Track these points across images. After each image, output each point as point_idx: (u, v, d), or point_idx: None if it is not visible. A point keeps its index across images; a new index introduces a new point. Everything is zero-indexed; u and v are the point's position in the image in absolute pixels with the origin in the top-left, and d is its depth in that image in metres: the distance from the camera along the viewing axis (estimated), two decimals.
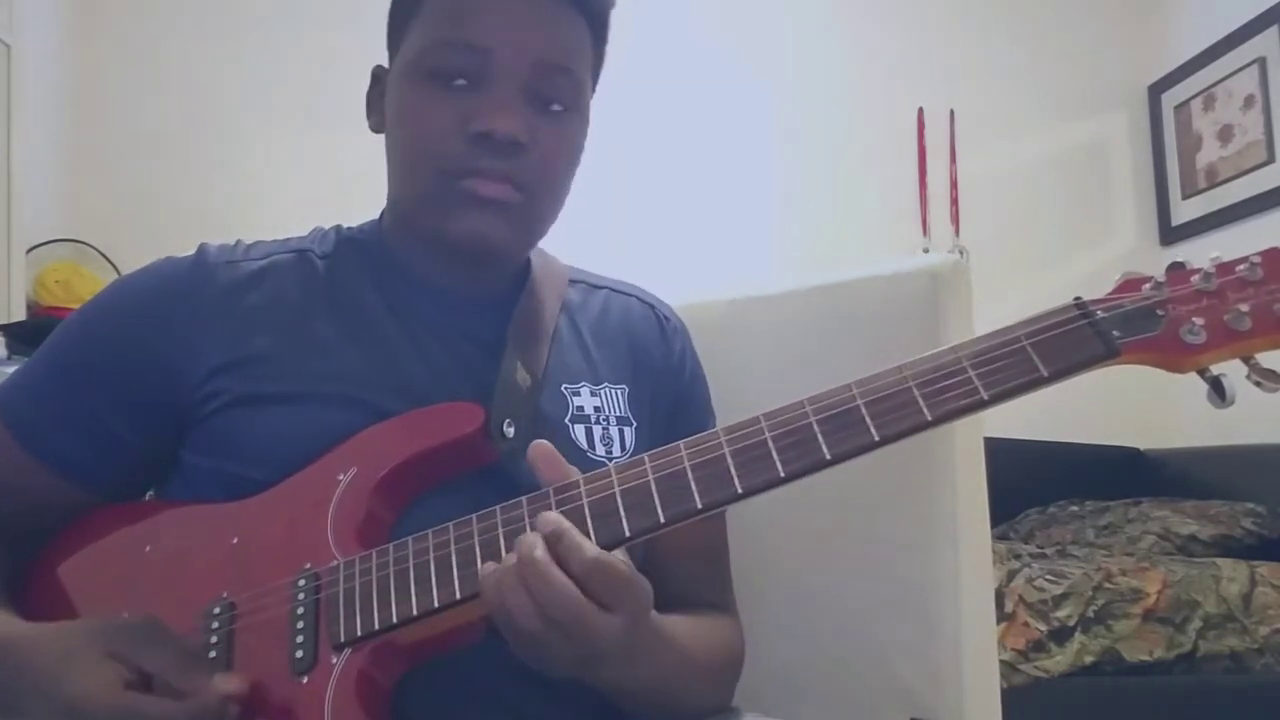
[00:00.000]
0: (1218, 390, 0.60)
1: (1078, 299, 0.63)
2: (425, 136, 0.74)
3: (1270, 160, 2.68)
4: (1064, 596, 1.89)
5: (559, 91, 0.75)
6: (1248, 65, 2.74)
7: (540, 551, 0.58)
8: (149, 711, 0.59)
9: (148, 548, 0.72)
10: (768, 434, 0.62)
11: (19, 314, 2.23)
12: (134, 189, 2.66)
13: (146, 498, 0.81)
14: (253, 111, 2.74)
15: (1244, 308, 0.60)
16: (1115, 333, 0.61)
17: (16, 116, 2.24)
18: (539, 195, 0.76)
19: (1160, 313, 0.61)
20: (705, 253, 2.83)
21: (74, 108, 2.63)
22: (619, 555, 0.61)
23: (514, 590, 0.58)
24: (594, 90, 0.82)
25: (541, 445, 0.66)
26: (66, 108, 2.61)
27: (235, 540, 0.70)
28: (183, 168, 2.70)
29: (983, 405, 0.60)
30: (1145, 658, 1.85)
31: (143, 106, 2.70)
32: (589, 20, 0.77)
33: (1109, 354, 0.60)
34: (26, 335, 1.99)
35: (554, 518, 0.60)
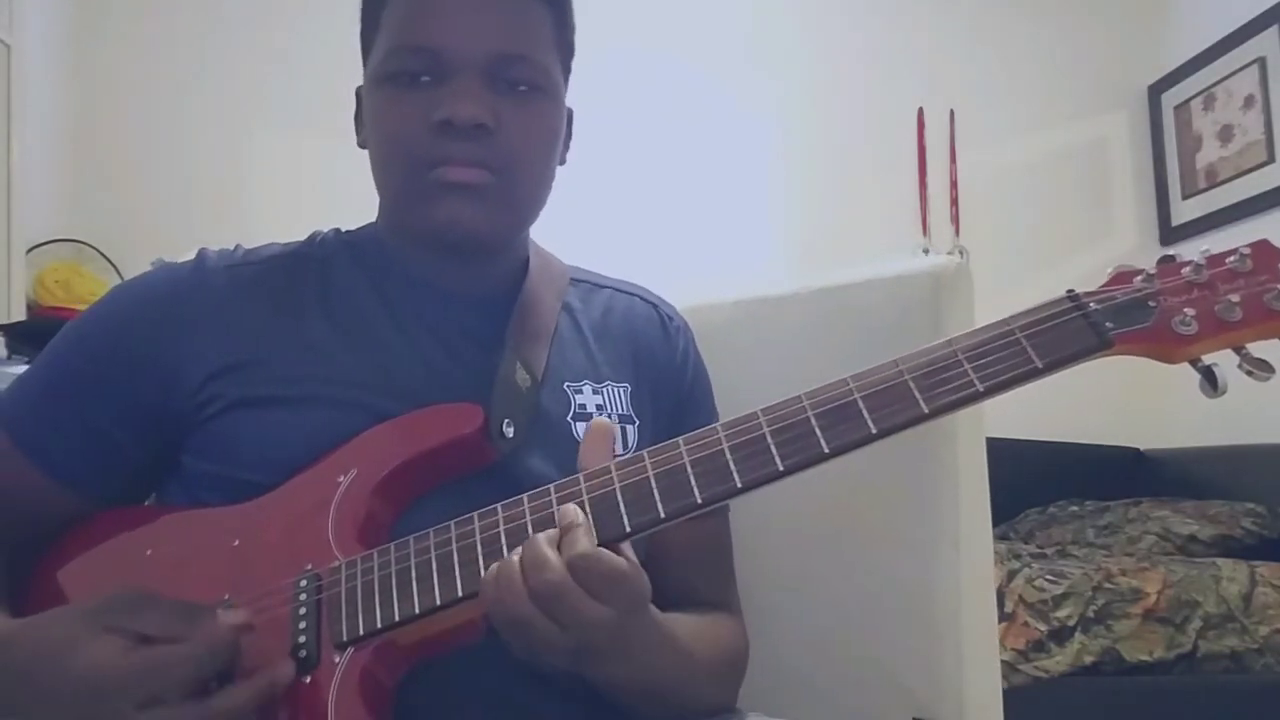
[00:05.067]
0: (1210, 380, 0.61)
1: (1070, 291, 0.63)
2: (394, 134, 0.75)
3: (1270, 160, 2.68)
4: (1064, 596, 1.89)
5: (521, 75, 0.75)
6: (1248, 65, 2.75)
7: (542, 542, 0.59)
8: (163, 660, 0.59)
9: (149, 552, 0.72)
10: (766, 429, 0.62)
11: (19, 314, 2.23)
12: (134, 189, 2.66)
13: (148, 503, 0.81)
14: (253, 112, 2.75)
15: (1234, 298, 0.60)
16: (1108, 324, 0.61)
17: (16, 116, 2.24)
18: (513, 175, 0.76)
19: (1152, 304, 0.62)
20: (705, 252, 2.83)
21: (74, 108, 2.64)
22: (626, 547, 0.62)
23: (510, 580, 0.58)
24: (567, 75, 0.82)
25: (600, 422, 0.68)
26: (66, 108, 2.61)
27: (237, 543, 0.70)
28: (183, 168, 2.70)
29: (978, 397, 0.61)
30: (1145, 658, 1.85)
31: (143, 106, 2.70)
32: (548, 4, 0.77)
33: (1102, 345, 0.61)
34: (26, 335, 1.99)
35: (571, 510, 0.61)
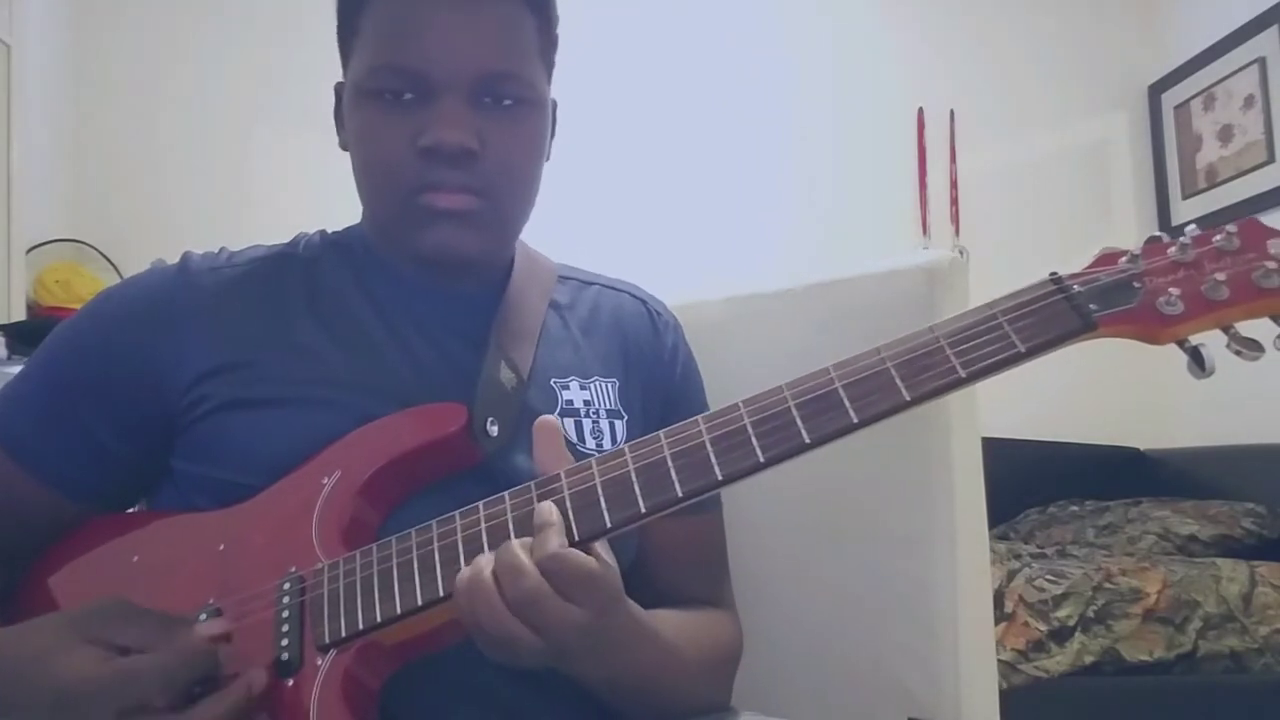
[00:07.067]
0: (1197, 361, 0.59)
1: (1053, 274, 0.62)
2: (379, 156, 0.74)
3: (1270, 160, 2.68)
4: (1064, 596, 1.88)
5: (507, 91, 0.74)
6: (1248, 65, 2.74)
7: (515, 548, 0.58)
8: (140, 669, 0.59)
9: (135, 558, 0.72)
10: (746, 420, 0.62)
11: (19, 314, 2.24)
12: (134, 189, 2.66)
13: (138, 507, 0.81)
14: (252, 112, 2.75)
15: (1221, 277, 0.59)
16: (1092, 306, 0.60)
17: (16, 116, 2.25)
18: (502, 196, 0.75)
19: (1137, 285, 0.60)
20: (705, 252, 2.83)
21: (74, 108, 2.64)
22: (599, 546, 0.61)
23: (484, 589, 0.58)
24: (550, 70, 0.81)
25: (545, 422, 0.66)
26: (66, 108, 2.61)
27: (221, 547, 0.69)
28: (182, 168, 2.70)
29: (961, 383, 0.60)
30: (1145, 658, 1.85)
31: (143, 107, 2.70)
32: (530, 7, 0.76)
33: (1085, 328, 0.60)
34: (26, 335, 1.99)
35: (546, 509, 0.60)
